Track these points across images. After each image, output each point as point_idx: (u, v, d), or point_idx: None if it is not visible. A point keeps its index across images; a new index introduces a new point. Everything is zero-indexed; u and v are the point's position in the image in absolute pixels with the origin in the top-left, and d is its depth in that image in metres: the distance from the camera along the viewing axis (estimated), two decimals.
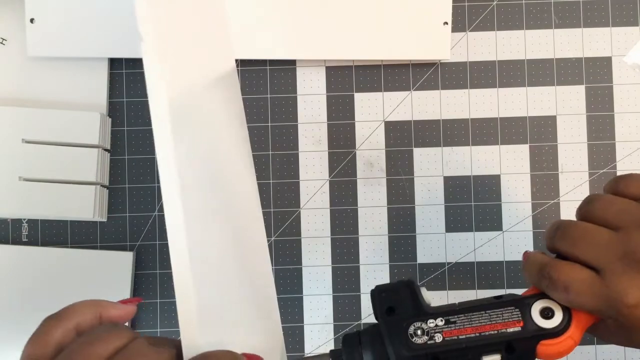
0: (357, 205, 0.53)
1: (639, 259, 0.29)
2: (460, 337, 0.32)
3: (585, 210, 0.33)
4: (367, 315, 0.52)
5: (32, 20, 0.50)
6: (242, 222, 0.43)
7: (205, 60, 0.44)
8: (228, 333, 0.35)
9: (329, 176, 0.53)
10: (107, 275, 0.51)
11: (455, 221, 0.52)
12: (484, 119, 0.53)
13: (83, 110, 0.51)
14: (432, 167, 0.53)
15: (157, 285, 0.52)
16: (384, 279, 0.52)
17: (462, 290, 0.52)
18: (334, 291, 0.52)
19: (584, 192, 0.52)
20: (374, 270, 0.52)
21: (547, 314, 0.31)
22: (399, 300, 0.33)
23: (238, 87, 0.49)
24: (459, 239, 0.52)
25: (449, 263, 0.52)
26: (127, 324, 0.49)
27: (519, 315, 0.32)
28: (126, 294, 0.51)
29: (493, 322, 0.32)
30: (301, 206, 0.53)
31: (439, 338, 0.32)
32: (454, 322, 0.32)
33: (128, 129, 0.53)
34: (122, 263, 0.51)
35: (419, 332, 0.32)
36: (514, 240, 0.52)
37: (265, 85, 0.53)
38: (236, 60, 0.52)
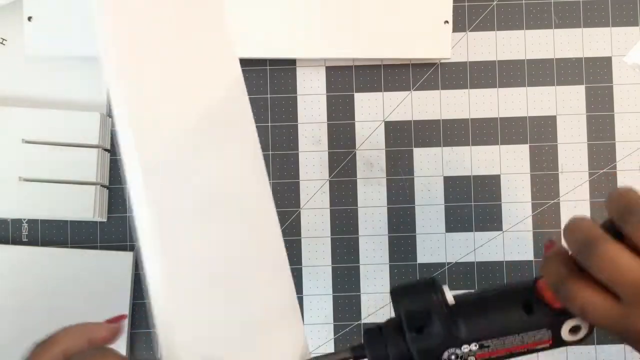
0: (357, 205, 0.53)
1: None
2: (492, 357, 0.32)
3: (623, 221, 0.28)
4: (367, 315, 0.52)
5: (29, 19, 0.50)
6: (256, 223, 0.42)
7: (205, 62, 0.44)
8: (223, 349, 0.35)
9: (329, 176, 0.53)
10: (107, 275, 0.51)
11: (455, 221, 0.52)
12: (484, 119, 0.53)
13: (83, 110, 0.51)
14: (432, 167, 0.53)
15: None
16: (384, 278, 0.52)
17: (462, 290, 0.52)
18: (334, 291, 0.52)
19: (584, 192, 0.52)
20: (374, 270, 0.52)
21: (575, 330, 0.32)
22: (428, 313, 0.32)
23: (243, 85, 0.48)
24: (459, 239, 0.52)
25: (449, 263, 0.52)
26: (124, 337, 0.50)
27: (550, 334, 0.32)
28: (126, 294, 0.51)
29: (525, 343, 0.32)
30: (301, 206, 0.53)
31: (472, 356, 0.32)
32: (488, 347, 0.32)
33: None
34: (122, 263, 0.51)
35: (452, 357, 0.32)
36: (514, 240, 0.52)
37: (265, 85, 0.53)
38: None
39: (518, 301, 0.32)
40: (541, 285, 0.32)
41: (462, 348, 0.32)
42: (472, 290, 0.34)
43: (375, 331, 0.33)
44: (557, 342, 0.32)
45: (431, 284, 0.33)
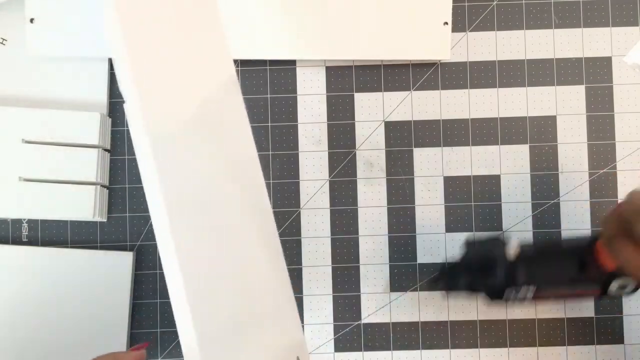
0: (357, 205, 0.53)
1: None
2: (545, 299, 0.41)
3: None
4: (367, 315, 0.52)
5: (32, 20, 0.50)
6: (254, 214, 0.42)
7: (203, 62, 0.44)
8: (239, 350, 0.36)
9: (329, 176, 0.53)
10: (107, 275, 0.51)
11: (455, 221, 0.52)
12: (484, 119, 0.53)
13: (83, 110, 0.51)
14: (432, 167, 0.53)
15: (157, 285, 0.52)
16: (384, 279, 0.52)
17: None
18: (334, 291, 0.52)
19: (584, 192, 0.52)
20: (374, 270, 0.52)
21: (622, 287, 0.38)
22: (493, 260, 0.41)
23: (238, 85, 0.48)
24: (459, 239, 0.52)
25: (449, 263, 0.52)
26: None
27: (599, 287, 0.39)
28: (126, 294, 0.51)
29: (575, 291, 0.40)
30: (301, 206, 0.53)
31: (530, 296, 0.41)
32: (543, 290, 0.40)
33: (128, 129, 0.53)
34: (122, 263, 0.51)
35: (512, 294, 0.40)
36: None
37: (265, 85, 0.53)
38: (236, 61, 0.52)
39: (574, 260, 0.39)
40: (598, 247, 0.38)
41: (522, 289, 0.40)
42: (535, 241, 0.43)
43: (453, 264, 0.44)
44: (604, 295, 0.39)
45: (498, 238, 0.42)
